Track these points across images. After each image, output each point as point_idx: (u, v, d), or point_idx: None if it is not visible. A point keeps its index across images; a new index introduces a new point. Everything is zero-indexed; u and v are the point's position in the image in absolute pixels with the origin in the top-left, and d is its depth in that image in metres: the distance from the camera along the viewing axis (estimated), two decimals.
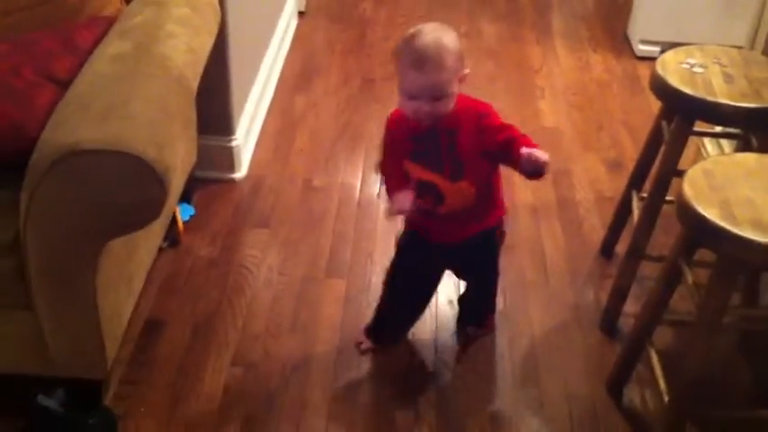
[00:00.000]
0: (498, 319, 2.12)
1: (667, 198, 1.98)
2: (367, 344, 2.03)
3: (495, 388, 1.96)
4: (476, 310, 2.10)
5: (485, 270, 1.99)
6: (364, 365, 2.00)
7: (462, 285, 2.12)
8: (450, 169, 1.71)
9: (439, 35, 1.63)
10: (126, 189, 1.50)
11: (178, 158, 1.67)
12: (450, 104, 1.64)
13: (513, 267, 2.29)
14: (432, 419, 1.87)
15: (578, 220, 2.51)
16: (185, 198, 2.42)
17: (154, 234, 2.02)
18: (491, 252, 1.94)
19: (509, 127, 1.69)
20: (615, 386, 1.94)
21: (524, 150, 1.58)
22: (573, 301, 2.22)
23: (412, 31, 1.65)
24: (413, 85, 1.61)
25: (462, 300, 2.13)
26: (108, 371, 1.78)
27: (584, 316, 2.17)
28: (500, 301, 2.14)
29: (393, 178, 1.79)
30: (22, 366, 1.75)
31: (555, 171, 2.70)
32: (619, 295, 2.08)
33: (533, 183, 2.42)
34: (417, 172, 1.74)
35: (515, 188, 2.56)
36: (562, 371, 2.01)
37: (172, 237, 2.32)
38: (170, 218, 2.24)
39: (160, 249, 2.24)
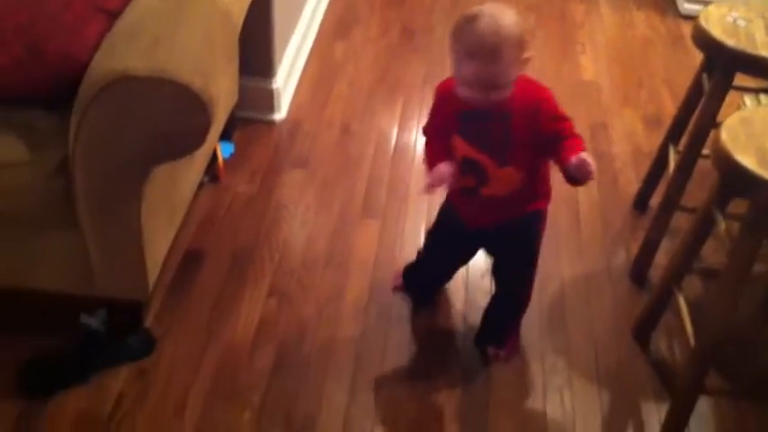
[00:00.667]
0: None
1: (704, 152, 1.99)
2: (399, 282, 2.07)
3: (522, 330, 1.99)
4: (499, 323, 1.95)
5: (519, 262, 1.85)
6: (396, 305, 2.04)
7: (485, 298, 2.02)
8: (499, 153, 1.64)
9: (498, 21, 1.51)
10: (171, 116, 1.55)
11: (221, 90, 1.72)
12: (507, 93, 1.56)
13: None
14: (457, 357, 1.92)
15: (614, 174, 2.52)
16: (226, 136, 2.47)
17: (196, 167, 2.08)
18: (529, 243, 1.82)
19: (565, 119, 1.61)
20: (642, 333, 1.97)
21: (576, 158, 1.51)
22: (604, 251, 2.24)
23: (470, 13, 1.54)
24: (467, 73, 1.53)
25: (487, 311, 1.96)
26: (149, 294, 1.86)
27: (614, 266, 2.19)
28: None
29: (434, 148, 1.72)
30: (67, 285, 1.83)
31: (592, 124, 2.71)
32: (650, 246, 2.10)
33: None
34: (465, 149, 1.66)
35: None
36: (589, 317, 2.04)
37: (212, 173, 2.37)
38: (211, 154, 2.30)
39: (201, 184, 2.31)
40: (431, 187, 1.65)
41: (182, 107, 1.52)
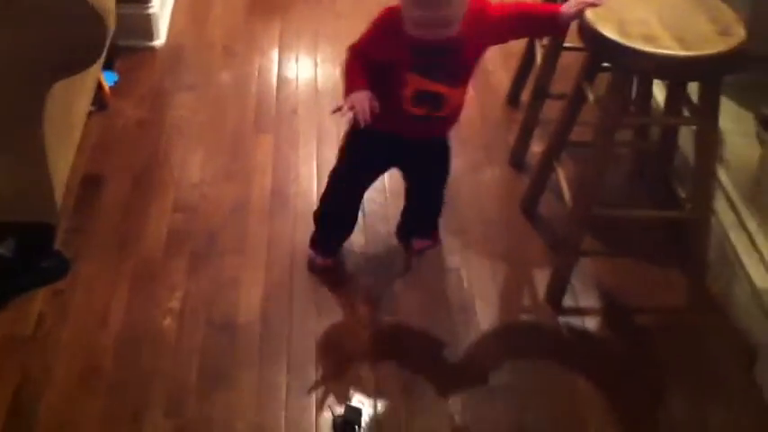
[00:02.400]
0: None
1: (565, 44, 2.17)
2: (320, 259, 1.99)
3: None
4: (421, 220, 2.04)
5: (438, 173, 1.95)
6: (296, 207, 2.14)
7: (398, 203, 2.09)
8: (455, 78, 1.68)
9: None
10: (70, 27, 1.58)
11: (113, 6, 1.75)
12: (458, 26, 1.58)
13: None
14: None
15: (486, 76, 2.69)
16: (107, 65, 2.47)
17: (87, 91, 2.10)
18: (446, 155, 1.92)
19: (508, 5, 1.67)
20: (528, 206, 2.16)
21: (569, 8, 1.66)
22: (484, 143, 2.41)
23: None
24: (418, 17, 1.56)
25: (406, 210, 2.04)
26: (57, 214, 1.89)
27: (494, 156, 2.37)
28: None
29: (357, 69, 1.68)
30: None
31: None
32: (526, 132, 2.29)
33: None
34: (420, 83, 1.66)
35: None
36: (478, 201, 2.22)
37: (99, 101, 2.38)
38: (96, 83, 2.31)
39: (89, 113, 2.31)
40: (347, 111, 1.63)
41: (79, 18, 1.55)
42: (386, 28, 1.66)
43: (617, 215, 2.04)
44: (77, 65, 1.68)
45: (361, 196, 1.98)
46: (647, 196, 2.22)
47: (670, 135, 2.12)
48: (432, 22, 1.56)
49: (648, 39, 1.63)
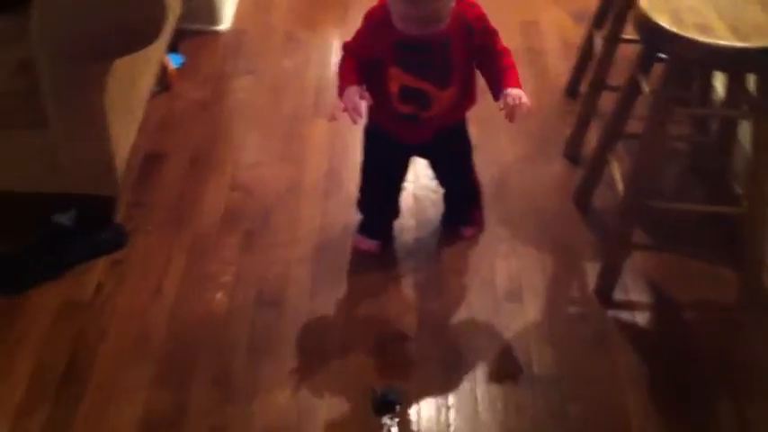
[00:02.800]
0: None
1: (624, 36, 2.15)
2: (366, 243, 2.01)
3: None
4: (460, 205, 2.06)
5: (457, 158, 1.95)
6: (349, 190, 2.17)
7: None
8: (441, 78, 1.68)
9: None
10: (129, 6, 1.63)
11: None
12: (446, 22, 1.60)
13: (482, 107, 2.46)
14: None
15: (545, 66, 2.68)
16: (173, 48, 2.55)
17: (151, 70, 2.17)
18: (463, 142, 1.92)
19: (495, 33, 1.71)
20: (581, 199, 2.15)
21: (511, 92, 1.64)
22: (540, 134, 2.40)
23: None
24: (406, 12, 1.57)
25: (444, 199, 2.08)
26: (118, 188, 1.96)
27: (550, 147, 2.36)
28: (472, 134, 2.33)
29: (350, 68, 1.70)
30: (37, 184, 1.92)
31: (522, 22, 2.86)
32: (582, 124, 2.27)
33: (502, 32, 2.62)
34: (404, 78, 1.68)
35: None
36: (530, 192, 2.21)
37: (164, 83, 2.45)
38: (160, 64, 2.38)
39: (153, 94, 2.38)
40: (340, 112, 1.65)
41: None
42: (373, 23, 1.68)
43: (668, 208, 2.01)
44: (137, 43, 1.74)
45: (395, 187, 2.00)
46: (704, 192, 2.19)
47: (728, 129, 2.08)
48: (417, 18, 1.57)
49: (702, 28, 1.61)
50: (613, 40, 2.17)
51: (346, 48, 1.74)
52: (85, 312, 1.84)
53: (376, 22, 1.67)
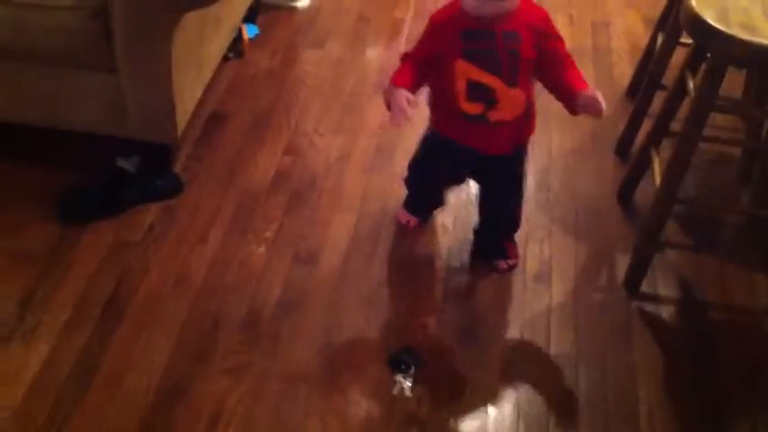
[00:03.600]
0: None
1: (682, 40, 2.16)
2: (406, 217, 2.06)
3: None
4: (491, 238, 2.01)
5: (507, 192, 1.91)
6: (397, 165, 2.24)
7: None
8: (509, 73, 1.64)
9: None
10: None
11: None
12: (516, 3, 1.62)
13: (539, 100, 2.50)
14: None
15: (610, 66, 2.69)
16: (251, 19, 2.67)
17: (222, 33, 2.29)
18: (518, 171, 1.88)
19: (561, 39, 1.70)
20: (624, 195, 2.17)
21: (588, 93, 1.63)
22: (593, 130, 2.43)
23: None
24: None
25: (480, 230, 2.02)
26: (177, 138, 2.08)
27: (601, 143, 2.38)
28: None
29: (405, 73, 1.69)
30: (106, 127, 2.05)
31: (594, 22, 2.88)
32: (634, 122, 2.29)
33: (574, 28, 2.66)
34: (471, 71, 1.65)
35: None
36: (573, 182, 2.25)
37: (237, 50, 2.58)
38: (235, 31, 2.50)
39: (227, 59, 2.52)
40: (395, 118, 1.62)
41: None
42: (438, 24, 1.68)
43: (699, 206, 2.02)
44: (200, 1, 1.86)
45: (440, 188, 2.03)
46: (750, 197, 2.18)
47: None
48: None
49: (747, 27, 1.62)
50: (671, 43, 2.18)
51: (404, 56, 1.73)
52: (134, 250, 1.96)
53: (442, 18, 1.68)
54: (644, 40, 2.77)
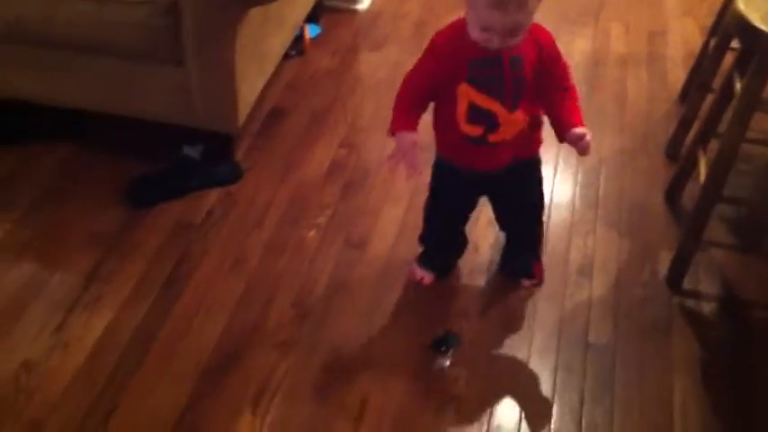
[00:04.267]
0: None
1: (732, 45, 2.18)
2: (426, 276, 1.99)
3: (557, 189, 2.25)
4: (516, 255, 1.99)
5: (524, 206, 1.90)
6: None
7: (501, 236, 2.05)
8: (512, 98, 1.62)
9: None
10: None
11: None
12: (523, 36, 1.57)
13: (593, 103, 2.56)
14: None
15: (664, 72, 2.72)
16: (313, 19, 2.79)
17: (284, 31, 2.40)
18: (531, 185, 1.87)
19: (566, 65, 1.67)
20: (671, 195, 2.21)
21: (578, 132, 1.60)
22: (645, 131, 2.46)
23: None
24: (490, 21, 1.51)
25: (505, 251, 2.02)
26: (239, 128, 2.20)
27: (652, 144, 2.42)
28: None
29: (404, 108, 1.67)
30: (172, 116, 2.18)
31: (651, 32, 2.91)
32: (685, 124, 2.32)
33: (630, 36, 2.70)
34: (474, 96, 1.62)
35: (610, 39, 2.82)
36: (621, 181, 2.29)
37: (299, 48, 2.70)
38: (297, 30, 2.62)
39: (289, 56, 2.64)
40: (398, 161, 1.63)
41: None
42: (444, 47, 1.63)
43: (745, 202, 2.04)
44: None
45: (458, 227, 1.98)
46: None
47: None
48: (501, 28, 1.52)
49: None
50: (722, 46, 2.20)
51: (406, 80, 1.69)
52: (194, 232, 2.08)
53: (448, 44, 1.62)
54: (696, 46, 2.81)
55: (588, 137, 1.62)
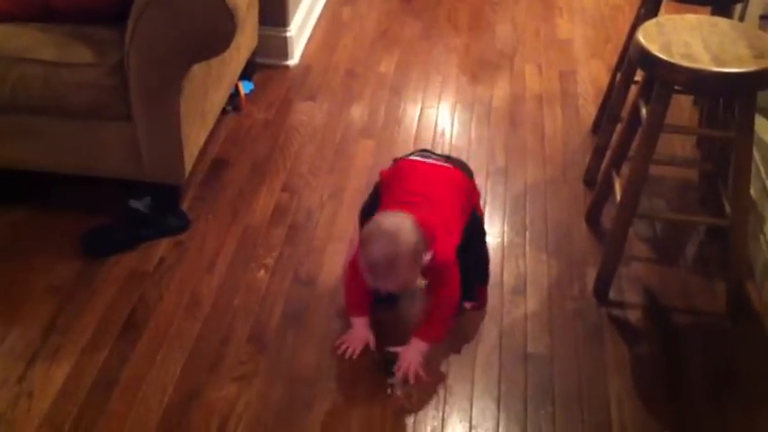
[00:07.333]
0: (497, 174, 2.58)
1: (636, 79, 2.41)
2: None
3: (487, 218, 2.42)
4: (466, 284, 1.99)
5: (470, 252, 2.01)
6: None
7: None
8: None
9: (391, 242, 1.71)
10: (205, 19, 2.00)
11: (244, 6, 2.15)
12: (413, 284, 1.87)
13: (516, 138, 2.76)
14: None
15: (576, 107, 2.94)
16: (247, 76, 2.93)
17: (223, 85, 2.53)
18: (477, 233, 2.06)
19: (447, 295, 1.89)
20: (591, 217, 2.40)
21: (404, 366, 1.89)
22: (563, 162, 2.66)
23: (368, 228, 1.79)
24: (369, 277, 1.80)
25: None
26: (185, 178, 2.30)
27: (570, 174, 2.61)
28: (500, 159, 2.62)
29: (355, 293, 1.96)
30: (122, 171, 2.27)
31: (562, 72, 3.14)
32: (598, 153, 2.52)
33: (543, 77, 2.92)
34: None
35: (527, 79, 3.04)
36: (545, 207, 2.47)
37: (235, 104, 2.83)
38: (233, 86, 2.75)
39: (226, 112, 2.76)
40: (344, 343, 1.96)
41: (213, 11, 1.97)
42: (353, 274, 1.91)
43: (657, 216, 2.23)
44: (209, 53, 2.10)
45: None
46: (706, 211, 2.41)
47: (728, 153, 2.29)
48: (382, 286, 1.82)
49: (687, 57, 1.86)
50: (627, 80, 2.43)
51: (350, 264, 1.95)
52: (148, 280, 2.16)
53: (355, 273, 1.88)
54: (604, 83, 3.05)
55: (414, 368, 1.89)
